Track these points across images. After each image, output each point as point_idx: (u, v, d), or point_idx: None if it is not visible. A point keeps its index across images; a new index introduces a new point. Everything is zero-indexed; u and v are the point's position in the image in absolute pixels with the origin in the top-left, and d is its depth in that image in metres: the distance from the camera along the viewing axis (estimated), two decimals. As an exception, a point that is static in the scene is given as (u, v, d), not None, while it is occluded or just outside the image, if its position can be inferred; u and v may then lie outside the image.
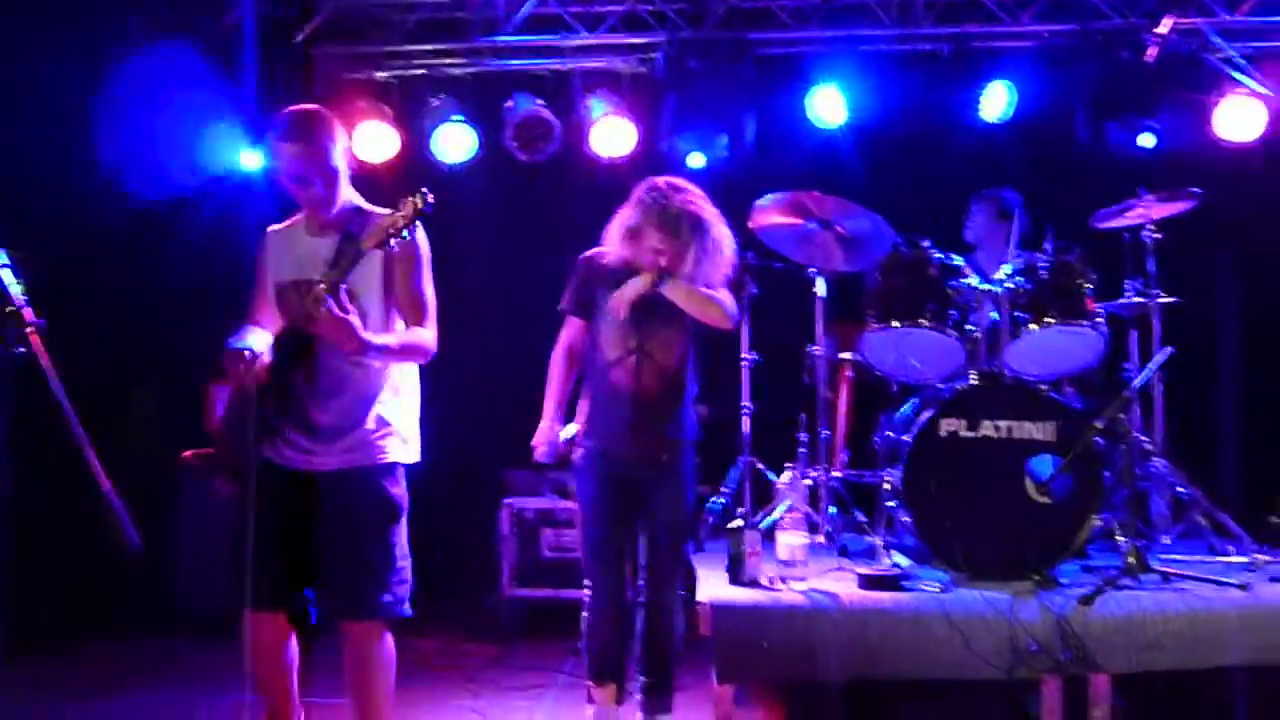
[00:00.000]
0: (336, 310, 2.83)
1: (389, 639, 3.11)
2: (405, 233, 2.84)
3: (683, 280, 3.49)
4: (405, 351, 3.07)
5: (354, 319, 2.86)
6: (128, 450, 5.69)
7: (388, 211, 3.01)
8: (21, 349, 1.69)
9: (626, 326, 3.52)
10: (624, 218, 3.58)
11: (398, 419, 3.14)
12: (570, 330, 3.71)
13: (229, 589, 3.12)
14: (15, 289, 1.71)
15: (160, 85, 5.81)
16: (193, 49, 5.86)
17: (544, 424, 3.66)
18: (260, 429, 3.02)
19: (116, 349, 5.62)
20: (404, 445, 3.16)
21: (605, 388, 3.60)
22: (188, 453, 3.13)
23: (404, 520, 3.12)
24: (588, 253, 3.69)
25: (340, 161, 3.11)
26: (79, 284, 5.25)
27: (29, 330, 1.68)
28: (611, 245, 3.62)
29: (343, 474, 3.05)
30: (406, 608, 3.10)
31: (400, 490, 3.13)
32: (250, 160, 6.01)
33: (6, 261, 1.78)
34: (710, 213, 3.55)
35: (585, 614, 3.71)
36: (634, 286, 3.50)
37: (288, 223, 3.25)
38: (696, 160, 5.89)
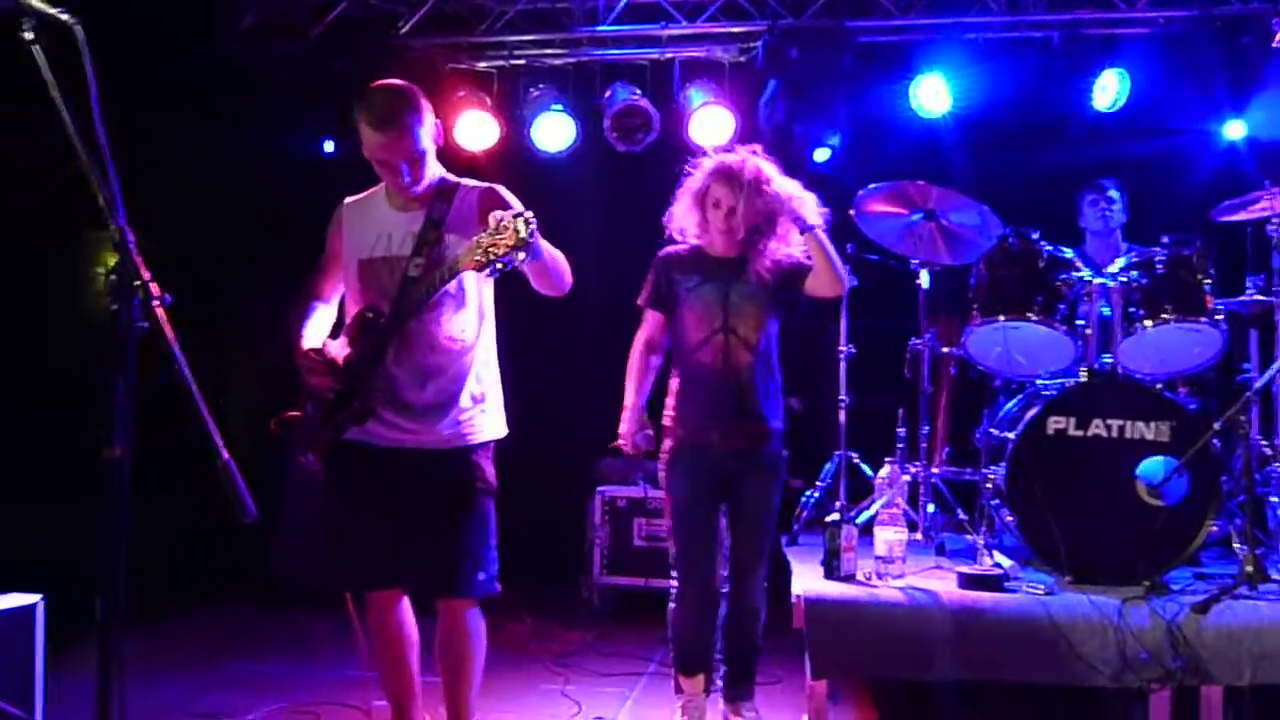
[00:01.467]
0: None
1: (480, 616, 3.13)
2: (503, 263, 2.68)
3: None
4: (558, 263, 3.00)
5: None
6: (233, 419, 5.89)
7: (470, 183, 3.07)
8: (146, 323, 1.73)
9: (713, 305, 3.51)
10: (688, 184, 3.61)
11: (488, 395, 3.15)
12: (649, 325, 3.70)
13: (325, 565, 3.20)
14: (141, 263, 1.75)
15: (265, 76, 5.99)
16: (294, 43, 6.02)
17: (627, 415, 3.64)
18: (347, 414, 3.00)
19: (221, 324, 5.80)
20: (494, 421, 3.17)
21: (692, 371, 3.58)
22: (273, 422, 3.16)
23: (493, 502, 3.14)
24: (664, 250, 3.70)
25: (428, 142, 3.03)
26: (188, 264, 5.42)
27: (155, 304, 1.72)
28: (679, 216, 3.63)
29: (441, 453, 3.05)
30: (497, 585, 3.11)
31: (492, 468, 3.15)
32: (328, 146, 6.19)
33: (130, 236, 1.82)
34: (771, 169, 3.55)
35: (672, 604, 3.71)
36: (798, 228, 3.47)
37: (366, 194, 3.20)
38: (820, 154, 5.87)
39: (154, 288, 1.75)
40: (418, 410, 3.04)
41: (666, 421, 3.68)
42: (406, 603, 3.19)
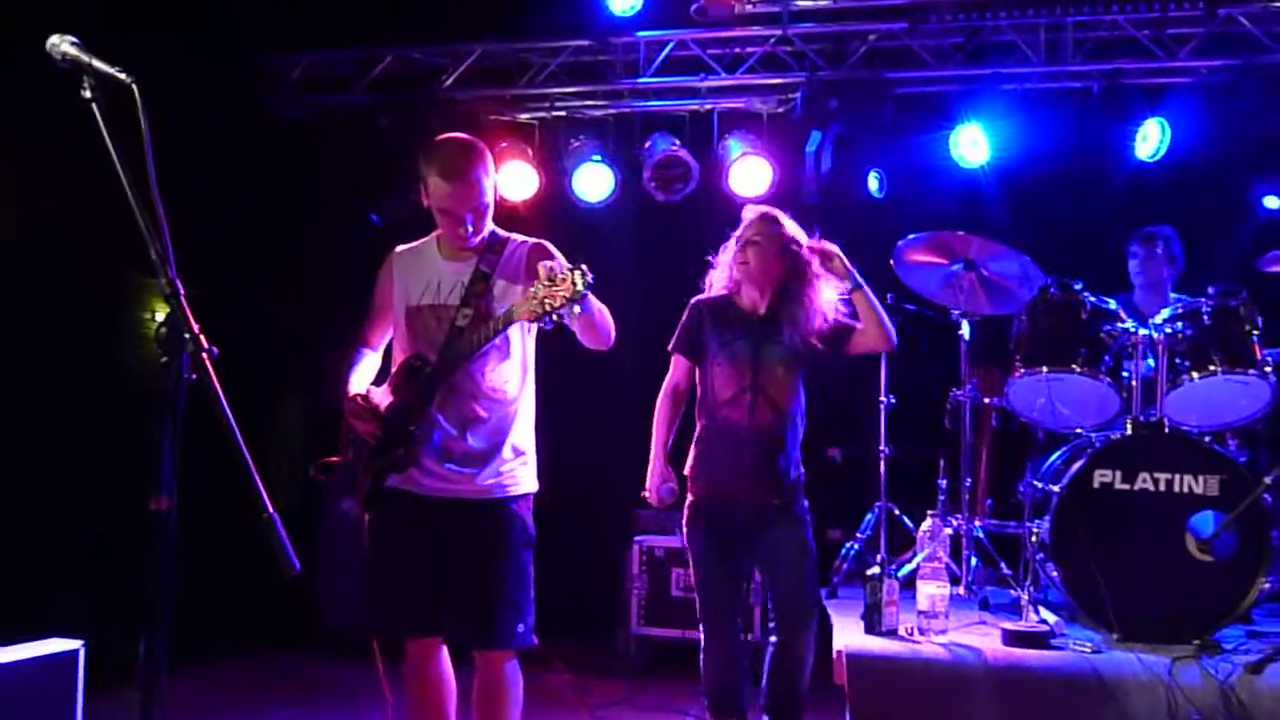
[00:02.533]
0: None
1: (518, 668, 3.10)
2: (559, 315, 2.71)
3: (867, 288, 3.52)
4: (604, 316, 2.99)
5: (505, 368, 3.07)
6: (275, 467, 5.96)
7: (519, 239, 3.11)
8: (194, 375, 1.75)
9: (743, 363, 3.52)
10: (726, 248, 3.65)
11: (529, 447, 3.17)
12: (677, 371, 3.71)
13: (368, 615, 3.18)
14: (191, 316, 1.78)
15: (311, 130, 6.12)
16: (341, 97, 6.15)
17: (654, 467, 3.62)
18: (389, 460, 3.02)
19: (267, 372, 5.87)
20: (532, 474, 3.18)
21: (717, 428, 3.56)
22: (314, 468, 3.18)
23: (532, 553, 3.13)
24: (697, 297, 3.71)
25: (491, 196, 3.09)
26: (233, 312, 5.52)
27: (204, 356, 1.74)
28: (718, 280, 3.67)
29: (484, 503, 3.06)
30: (534, 637, 3.09)
31: (531, 519, 3.15)
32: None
33: (181, 289, 1.85)
34: (801, 233, 3.62)
35: (702, 656, 3.66)
36: (837, 267, 3.52)
37: (418, 243, 3.23)
38: (872, 183, 5.88)
39: (203, 340, 1.77)
40: (460, 459, 3.05)
41: (687, 473, 3.65)
42: (446, 652, 3.17)
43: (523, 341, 3.14)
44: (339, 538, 5.50)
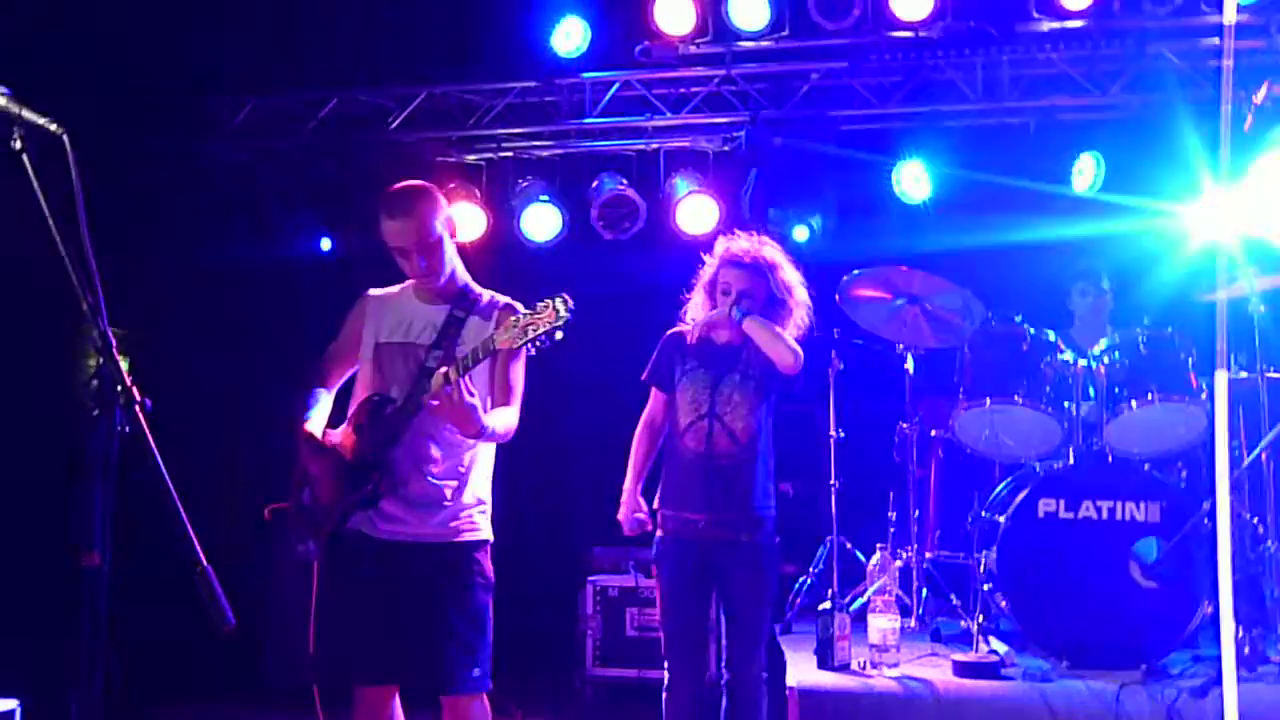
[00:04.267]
0: (466, 396, 2.81)
1: (486, 706, 3.07)
2: (545, 339, 2.76)
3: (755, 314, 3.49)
4: (505, 432, 3.06)
5: (477, 402, 2.87)
6: (226, 511, 5.86)
7: (497, 296, 3.14)
8: (127, 428, 1.73)
9: (701, 390, 3.50)
10: (701, 274, 3.65)
11: (486, 496, 3.15)
12: (652, 404, 3.70)
13: (318, 661, 3.10)
14: (124, 367, 1.76)
15: (257, 171, 6.10)
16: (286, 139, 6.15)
17: (626, 496, 3.62)
18: (357, 498, 2.99)
19: (213, 419, 5.80)
20: (488, 522, 3.16)
21: (678, 456, 3.55)
22: (267, 510, 3.13)
23: (491, 598, 3.11)
24: (672, 329, 3.70)
25: (443, 231, 3.09)
26: (180, 361, 5.47)
27: (136, 408, 1.72)
28: (693, 306, 3.67)
29: (439, 547, 3.02)
30: (489, 682, 3.07)
31: (489, 568, 3.12)
32: (325, 244, 6.30)
33: (113, 341, 1.83)
34: (780, 257, 3.59)
35: (665, 694, 3.60)
36: (711, 315, 3.53)
37: (395, 289, 3.24)
38: (800, 233, 5.94)
39: (135, 392, 1.75)
40: (417, 502, 3.01)
41: (656, 505, 3.64)
42: (397, 699, 3.11)
43: (488, 388, 3.10)
44: (290, 584, 5.42)
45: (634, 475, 3.63)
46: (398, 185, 3.15)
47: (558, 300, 2.74)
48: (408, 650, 2.98)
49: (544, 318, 2.73)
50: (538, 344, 2.77)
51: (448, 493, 3.03)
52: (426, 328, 3.08)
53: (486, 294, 3.18)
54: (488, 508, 3.15)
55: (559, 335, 2.75)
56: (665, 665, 3.59)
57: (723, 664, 3.58)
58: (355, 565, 3.01)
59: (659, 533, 3.58)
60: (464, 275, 3.19)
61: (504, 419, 3.04)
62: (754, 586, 3.49)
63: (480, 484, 3.13)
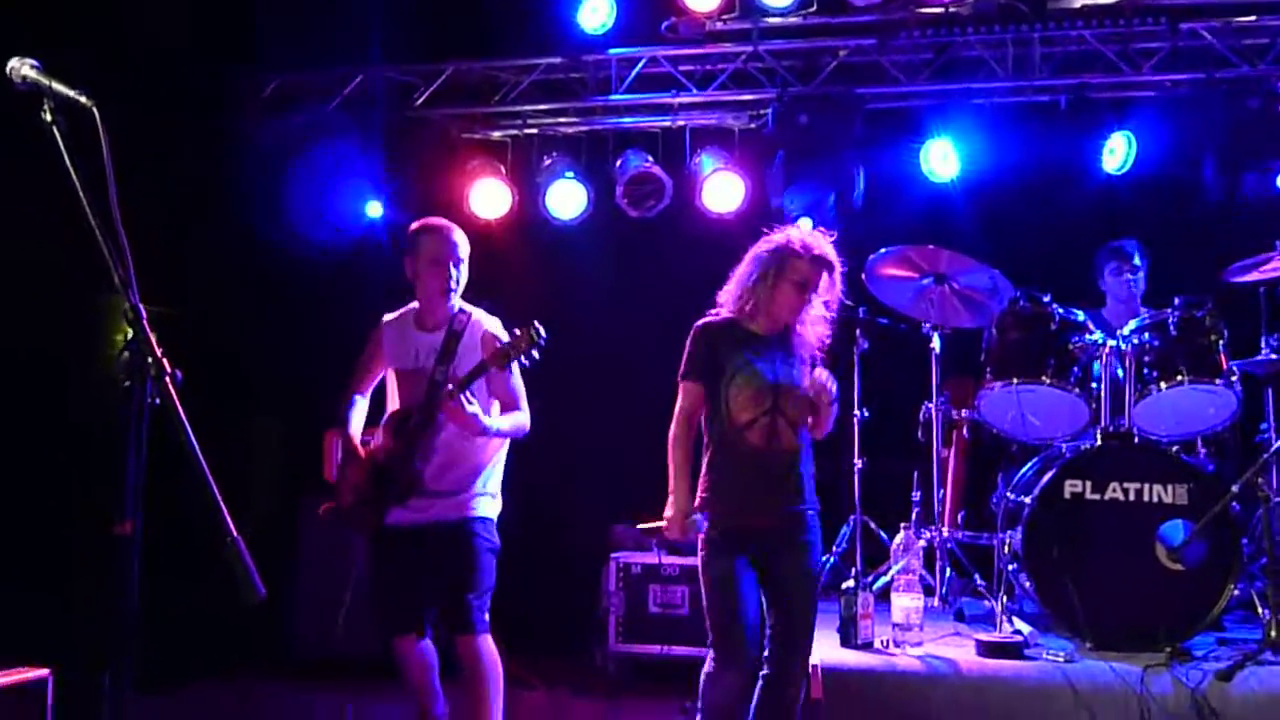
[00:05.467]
0: (467, 405, 3.42)
1: (492, 644, 3.63)
2: (524, 360, 3.49)
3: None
4: (513, 430, 3.70)
5: (478, 409, 3.48)
6: (249, 492, 5.92)
7: (482, 318, 3.73)
8: (158, 400, 1.75)
9: (764, 386, 3.37)
10: (767, 260, 3.44)
11: (494, 486, 3.78)
12: (690, 398, 3.49)
13: (348, 633, 3.73)
14: (154, 340, 1.77)
15: (293, 148, 6.12)
16: (323, 115, 6.16)
17: (676, 499, 3.42)
18: (392, 494, 3.61)
19: (243, 393, 5.85)
20: (494, 503, 3.78)
21: (735, 452, 3.40)
22: (321, 509, 3.75)
23: (495, 560, 3.70)
24: (702, 320, 3.54)
25: (465, 255, 3.74)
26: (214, 334, 5.52)
27: (167, 380, 1.74)
28: (744, 298, 3.46)
29: (451, 523, 3.66)
30: (488, 624, 3.64)
31: (495, 537, 3.73)
32: (374, 210, 6.28)
33: (143, 313, 1.84)
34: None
35: (707, 681, 3.38)
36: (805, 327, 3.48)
37: (399, 314, 3.85)
38: (805, 219, 5.85)
39: (166, 364, 1.76)
40: (437, 494, 3.63)
41: (697, 503, 3.44)
42: (427, 640, 3.75)
43: (488, 400, 3.64)
44: (318, 558, 5.48)
45: (682, 477, 3.44)
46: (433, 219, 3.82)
47: (529, 330, 3.45)
48: (433, 605, 3.70)
49: (522, 342, 3.46)
50: (521, 364, 3.52)
51: (461, 486, 3.66)
52: (429, 352, 3.68)
53: (476, 314, 3.75)
54: (496, 495, 3.77)
55: (536, 355, 3.47)
56: (712, 655, 3.39)
57: (765, 656, 3.41)
58: (392, 549, 3.68)
59: (708, 528, 3.39)
60: (459, 302, 3.77)
61: (511, 420, 3.66)
62: (808, 578, 3.42)
63: (489, 479, 3.73)
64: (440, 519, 3.64)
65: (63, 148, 1.91)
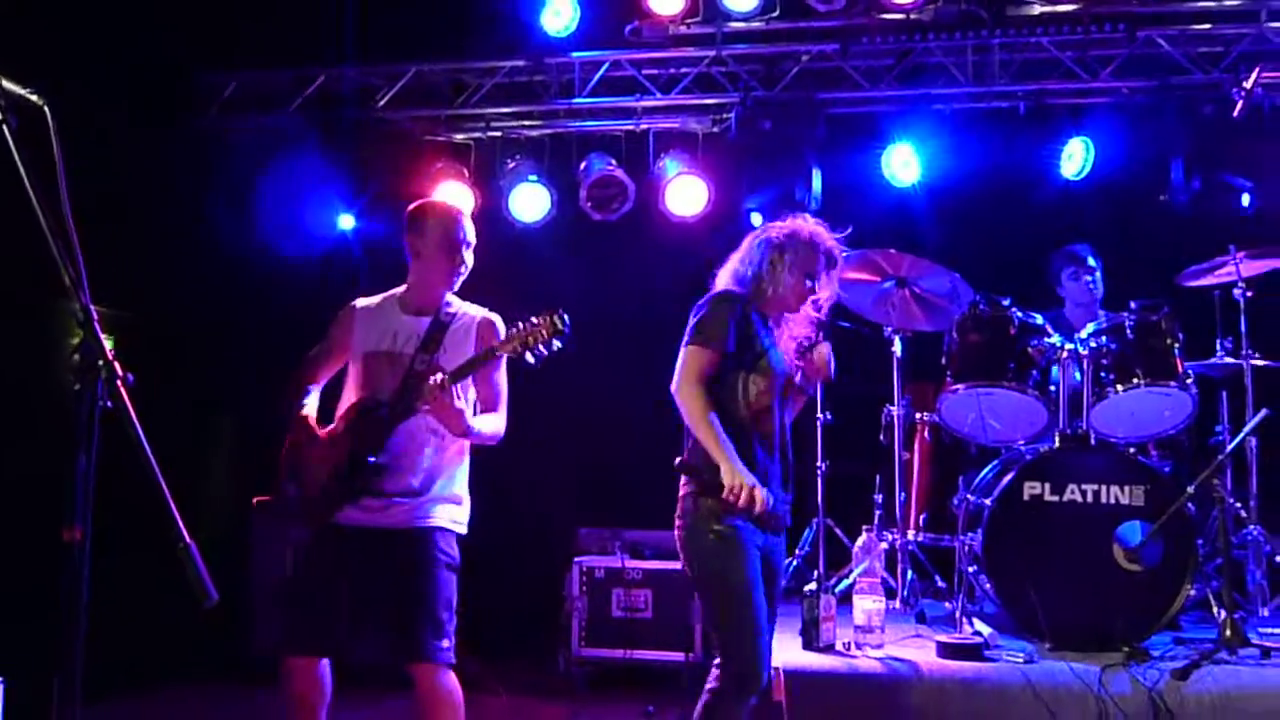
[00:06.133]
0: (455, 400, 3.07)
1: (453, 677, 3.21)
2: (541, 349, 3.04)
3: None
4: (491, 435, 3.30)
5: (465, 407, 3.13)
6: (205, 495, 5.84)
7: (475, 309, 3.37)
8: (109, 403, 1.72)
9: (778, 373, 3.18)
10: (794, 254, 3.22)
11: (459, 491, 3.35)
12: (706, 366, 3.08)
13: (288, 634, 3.27)
14: (107, 343, 1.74)
15: (255, 153, 6.06)
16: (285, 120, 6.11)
17: (743, 470, 2.97)
18: (347, 489, 3.20)
19: (196, 395, 5.78)
20: (459, 514, 3.35)
21: (749, 440, 3.11)
22: (255, 502, 3.35)
23: (456, 578, 3.28)
24: (733, 289, 3.24)
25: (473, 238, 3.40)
26: (171, 339, 5.44)
27: (118, 383, 1.71)
28: (755, 281, 3.23)
29: (407, 532, 3.22)
30: (453, 657, 3.21)
31: (455, 551, 3.29)
32: (344, 222, 6.25)
33: (94, 314, 1.81)
34: None
35: (710, 702, 3.05)
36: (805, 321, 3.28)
37: (378, 299, 3.46)
38: (755, 219, 5.87)
39: (117, 366, 1.74)
40: (391, 495, 3.21)
41: (698, 488, 3.12)
42: (326, 666, 3.27)
43: (469, 392, 3.29)
44: (272, 561, 5.41)
45: (731, 446, 3.02)
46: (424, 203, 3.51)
47: (555, 316, 3.02)
48: (375, 624, 3.21)
49: (543, 331, 3.02)
50: (534, 354, 3.04)
51: (422, 487, 3.24)
52: (410, 337, 3.30)
53: (466, 306, 3.41)
54: (461, 504, 3.34)
55: (556, 346, 3.03)
56: (720, 673, 3.06)
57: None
58: (333, 551, 3.23)
59: (724, 521, 3.03)
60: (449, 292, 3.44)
61: (491, 423, 3.28)
62: (781, 569, 3.30)
63: (454, 483, 3.32)
64: (395, 525, 3.21)
65: (12, 147, 1.87)
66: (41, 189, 1.85)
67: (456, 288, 3.40)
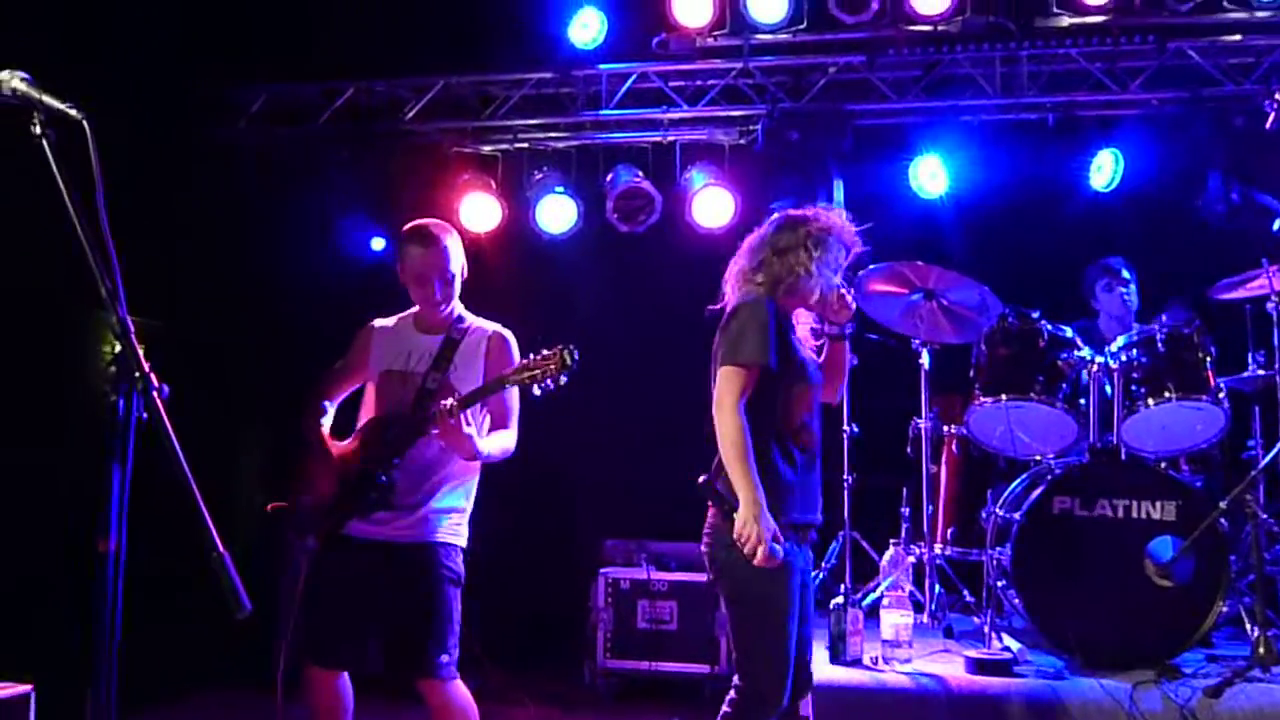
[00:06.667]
0: (465, 426, 3.08)
1: (462, 687, 3.25)
2: (550, 382, 3.04)
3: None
4: (500, 454, 3.33)
5: (474, 432, 3.14)
6: (238, 506, 5.88)
7: (487, 325, 3.43)
8: (145, 414, 1.73)
9: (817, 385, 3.08)
10: (820, 245, 3.07)
11: (464, 504, 3.40)
12: (747, 387, 2.92)
13: (300, 646, 3.35)
14: (141, 354, 1.76)
15: (284, 166, 6.12)
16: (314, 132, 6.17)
17: (762, 512, 2.80)
18: (359, 505, 3.24)
19: (230, 406, 5.83)
20: (461, 528, 3.39)
21: (802, 453, 3.02)
22: (269, 506, 3.39)
23: (459, 593, 3.31)
24: (759, 296, 3.03)
25: (457, 268, 3.41)
26: (202, 346, 5.50)
27: (154, 394, 1.73)
28: (783, 277, 3.05)
29: (413, 547, 3.27)
30: (456, 671, 3.25)
31: (459, 566, 3.33)
32: (376, 243, 6.29)
33: (131, 327, 1.83)
34: None
35: (730, 707, 2.97)
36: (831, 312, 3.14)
37: (396, 319, 3.52)
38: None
39: (153, 378, 1.75)
40: (399, 509, 3.26)
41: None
42: (346, 678, 3.36)
43: (481, 415, 3.35)
44: (295, 575, 5.43)
45: (760, 485, 2.84)
46: (423, 220, 3.47)
47: (565, 351, 3.02)
48: (381, 637, 3.29)
49: (552, 364, 3.03)
50: (541, 387, 3.07)
51: (427, 501, 3.30)
52: (423, 356, 3.36)
53: (478, 322, 3.46)
54: (464, 518, 3.39)
55: (564, 381, 3.04)
56: (742, 690, 2.96)
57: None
58: (340, 562, 3.29)
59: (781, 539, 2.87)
60: (459, 307, 3.48)
61: (500, 442, 3.31)
62: (812, 590, 3.19)
63: (459, 497, 3.37)
64: (401, 539, 3.25)
65: (52, 161, 1.90)
66: (80, 202, 1.88)
67: (453, 308, 3.43)
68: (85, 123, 1.91)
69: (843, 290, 3.15)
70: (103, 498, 1.73)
